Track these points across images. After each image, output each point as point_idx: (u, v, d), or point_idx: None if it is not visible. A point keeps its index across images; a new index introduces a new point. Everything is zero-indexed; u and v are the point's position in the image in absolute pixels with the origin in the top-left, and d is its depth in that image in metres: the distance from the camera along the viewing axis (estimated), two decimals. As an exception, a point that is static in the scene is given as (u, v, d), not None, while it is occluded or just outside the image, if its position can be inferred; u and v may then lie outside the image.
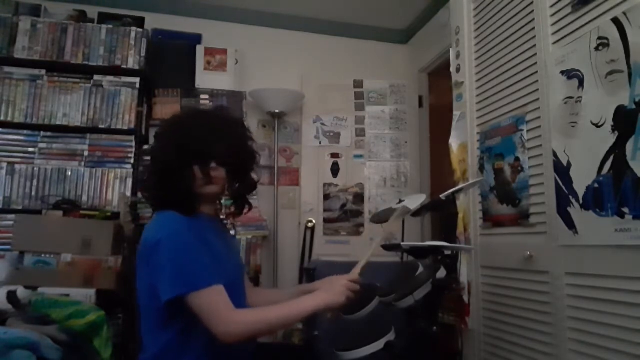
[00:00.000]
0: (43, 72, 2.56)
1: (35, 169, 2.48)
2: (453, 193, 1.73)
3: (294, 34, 3.33)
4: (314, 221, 3.12)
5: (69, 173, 2.50)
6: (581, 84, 1.46)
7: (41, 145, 2.52)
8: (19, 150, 2.50)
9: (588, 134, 1.43)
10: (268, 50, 3.24)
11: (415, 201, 1.70)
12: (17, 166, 2.46)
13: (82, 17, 2.77)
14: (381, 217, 1.83)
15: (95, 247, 2.17)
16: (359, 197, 3.21)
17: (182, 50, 2.96)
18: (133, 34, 2.66)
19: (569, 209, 1.49)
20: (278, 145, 3.14)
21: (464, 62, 2.11)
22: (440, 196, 1.72)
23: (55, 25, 2.59)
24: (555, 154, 1.56)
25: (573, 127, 1.49)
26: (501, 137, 1.86)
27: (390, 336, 1.47)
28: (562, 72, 1.54)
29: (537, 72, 1.67)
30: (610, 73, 1.36)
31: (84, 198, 2.49)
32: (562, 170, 1.53)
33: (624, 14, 1.31)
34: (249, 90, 3.00)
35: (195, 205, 1.31)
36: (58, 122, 2.53)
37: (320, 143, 3.24)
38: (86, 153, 2.55)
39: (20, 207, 2.41)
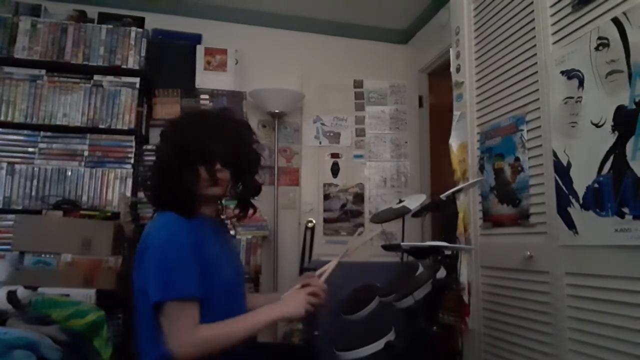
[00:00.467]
0: (43, 72, 2.56)
1: (35, 169, 2.47)
2: (453, 193, 1.74)
3: (294, 34, 3.33)
4: (314, 221, 3.12)
5: (69, 173, 2.50)
6: (581, 84, 1.46)
7: (41, 145, 2.52)
8: (19, 150, 2.49)
9: (588, 134, 1.43)
10: (268, 50, 3.24)
11: (415, 201, 1.70)
12: (17, 166, 2.45)
13: (82, 17, 2.77)
14: (381, 217, 1.83)
15: (95, 247, 2.17)
16: (359, 197, 3.21)
17: (182, 50, 2.96)
18: (133, 34, 2.66)
19: (569, 209, 1.49)
20: (278, 145, 3.14)
21: (464, 62, 2.11)
22: (440, 196, 1.72)
23: (55, 25, 2.59)
24: (555, 154, 1.56)
25: (573, 127, 1.49)
26: (501, 137, 1.86)
27: (390, 336, 1.48)
28: (562, 72, 1.54)
29: (537, 72, 1.68)
30: (610, 73, 1.36)
31: (84, 198, 2.49)
32: (562, 170, 1.53)
33: (624, 14, 1.31)
34: (249, 90, 3.00)
35: (196, 206, 1.31)
36: (58, 122, 2.53)
37: (320, 143, 3.24)
38: (86, 153, 2.55)
39: (20, 207, 2.41)
